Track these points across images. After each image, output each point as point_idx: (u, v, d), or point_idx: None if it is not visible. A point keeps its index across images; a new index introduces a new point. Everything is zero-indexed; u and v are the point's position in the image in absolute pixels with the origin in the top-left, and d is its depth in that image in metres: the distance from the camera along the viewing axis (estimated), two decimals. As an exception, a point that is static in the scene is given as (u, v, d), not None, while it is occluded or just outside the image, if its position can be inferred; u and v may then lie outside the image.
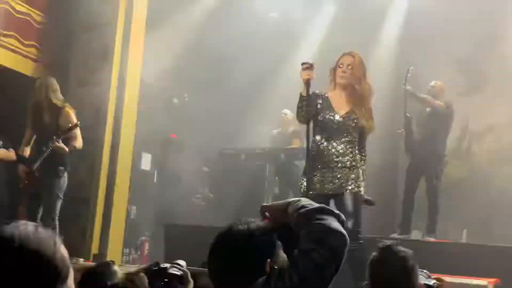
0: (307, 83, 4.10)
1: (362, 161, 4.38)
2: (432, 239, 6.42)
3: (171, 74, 8.06)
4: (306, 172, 4.26)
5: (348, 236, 3.77)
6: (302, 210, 1.77)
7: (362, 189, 4.26)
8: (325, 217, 1.73)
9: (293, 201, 1.87)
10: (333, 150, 4.26)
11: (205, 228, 6.23)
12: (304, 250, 1.67)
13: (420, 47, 8.21)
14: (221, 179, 8.27)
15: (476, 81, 8.06)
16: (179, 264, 2.21)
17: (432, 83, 6.72)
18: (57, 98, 5.75)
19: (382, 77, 7.10)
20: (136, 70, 7.16)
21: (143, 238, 7.87)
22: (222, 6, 8.39)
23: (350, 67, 4.34)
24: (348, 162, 4.24)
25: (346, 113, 4.33)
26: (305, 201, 1.85)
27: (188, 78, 8.53)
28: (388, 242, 2.64)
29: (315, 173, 4.24)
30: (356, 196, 4.20)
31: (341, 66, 4.37)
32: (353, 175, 4.23)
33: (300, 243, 1.71)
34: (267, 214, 1.90)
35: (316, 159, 4.28)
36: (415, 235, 6.64)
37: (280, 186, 7.88)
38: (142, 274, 2.15)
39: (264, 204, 1.98)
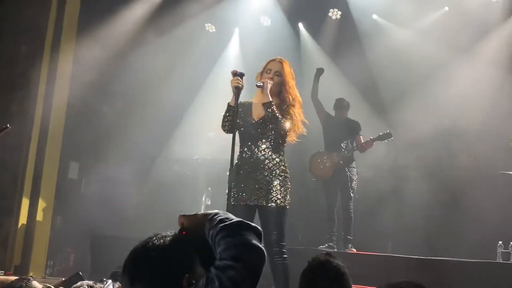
0: (236, 91, 3.96)
1: (286, 169, 4.22)
2: (354, 250, 6.67)
3: (101, 82, 7.89)
4: (229, 181, 4.14)
5: (273, 249, 3.84)
6: (220, 224, 1.70)
7: (287, 200, 4.13)
8: (243, 232, 1.67)
9: (210, 213, 1.78)
10: (256, 157, 4.15)
11: (133, 240, 6.08)
12: (221, 266, 1.61)
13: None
14: (153, 188, 8.16)
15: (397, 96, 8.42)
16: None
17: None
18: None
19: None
20: (65, 77, 6.98)
21: (69, 249, 7.62)
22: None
23: (277, 73, 4.24)
24: (272, 170, 4.12)
25: (263, 119, 4.17)
26: (223, 214, 1.76)
27: (118, 87, 8.39)
28: (320, 254, 2.67)
29: (240, 183, 4.09)
30: (281, 208, 4.08)
31: (268, 72, 4.27)
32: (278, 185, 4.09)
33: (216, 259, 1.64)
34: (184, 225, 1.80)
35: (240, 167, 4.12)
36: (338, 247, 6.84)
37: (212, 196, 7.84)
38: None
39: (183, 214, 1.85)
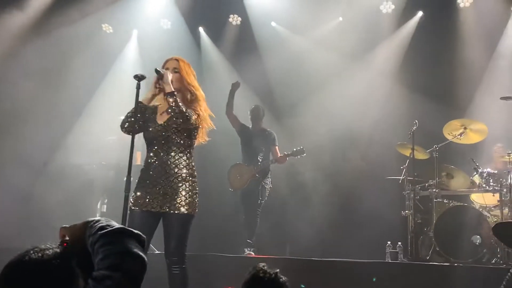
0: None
1: (194, 173, 3.99)
2: (253, 254, 6.75)
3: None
4: (126, 189, 3.77)
5: (172, 258, 3.72)
6: (99, 232, 1.62)
7: (194, 206, 3.89)
8: (123, 239, 1.60)
9: (91, 221, 1.69)
10: (162, 162, 3.90)
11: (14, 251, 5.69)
12: (98, 277, 1.52)
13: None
14: (47, 195, 7.70)
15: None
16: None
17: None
18: None
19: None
20: None
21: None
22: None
23: (175, 69, 4.03)
24: (179, 175, 3.88)
25: (168, 119, 3.93)
26: (104, 221, 1.68)
27: (4, 87, 7.90)
28: (261, 264, 2.67)
29: (145, 188, 3.87)
30: (186, 216, 3.84)
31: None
32: (184, 190, 3.86)
33: (95, 269, 1.56)
34: (66, 237, 1.69)
35: (144, 172, 3.94)
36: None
37: (110, 203, 7.57)
38: None
39: (63, 226, 1.74)
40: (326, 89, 8.42)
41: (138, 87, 3.78)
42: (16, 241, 6.17)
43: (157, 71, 3.95)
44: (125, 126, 3.92)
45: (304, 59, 8.64)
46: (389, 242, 6.62)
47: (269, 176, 7.19)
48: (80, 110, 8.46)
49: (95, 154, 7.80)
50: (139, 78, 3.78)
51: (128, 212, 3.76)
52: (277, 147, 7.17)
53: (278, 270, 2.62)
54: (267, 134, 7.22)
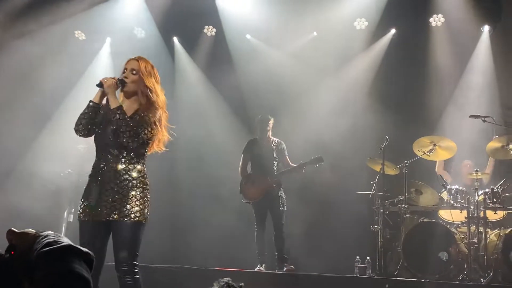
0: (107, 89, 3.63)
1: (145, 179, 3.75)
2: (293, 268, 6.57)
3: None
4: (82, 196, 3.63)
5: (122, 268, 3.58)
6: (44, 249, 1.51)
7: (144, 214, 3.66)
8: (68, 259, 1.52)
9: (41, 235, 1.58)
10: (110, 168, 3.66)
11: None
12: None
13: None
14: (13, 202, 7.52)
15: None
16: None
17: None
18: None
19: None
20: None
21: None
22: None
23: (133, 71, 3.78)
24: (129, 182, 3.64)
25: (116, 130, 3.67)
26: (53, 236, 1.58)
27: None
28: (225, 279, 2.59)
29: (93, 197, 3.62)
30: (136, 224, 3.60)
31: (124, 71, 3.82)
32: (134, 197, 3.63)
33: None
34: (13, 243, 1.59)
35: (94, 179, 3.69)
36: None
37: (74, 213, 7.41)
38: None
39: (12, 229, 1.61)
40: (299, 101, 8.46)
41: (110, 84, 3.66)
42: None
43: (97, 85, 3.71)
44: (77, 125, 3.70)
45: (278, 72, 8.67)
46: (358, 257, 6.63)
47: (282, 186, 6.92)
48: (49, 116, 8.30)
49: (63, 162, 7.64)
50: (101, 85, 3.66)
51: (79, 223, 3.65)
52: (287, 156, 6.98)
53: (242, 284, 2.56)
54: (278, 144, 7.01)
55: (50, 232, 1.63)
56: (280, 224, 6.72)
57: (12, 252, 1.58)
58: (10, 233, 1.61)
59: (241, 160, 7.05)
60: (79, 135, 3.74)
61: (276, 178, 6.82)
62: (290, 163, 6.92)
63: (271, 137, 7.05)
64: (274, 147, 6.96)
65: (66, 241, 1.58)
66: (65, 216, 7.32)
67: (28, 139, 8.07)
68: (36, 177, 7.52)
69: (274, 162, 6.91)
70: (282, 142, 7.07)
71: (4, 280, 1.51)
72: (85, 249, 1.57)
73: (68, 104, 8.29)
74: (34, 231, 1.64)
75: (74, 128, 3.74)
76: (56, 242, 1.56)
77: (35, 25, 8.13)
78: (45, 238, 1.57)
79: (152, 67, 3.87)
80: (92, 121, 3.72)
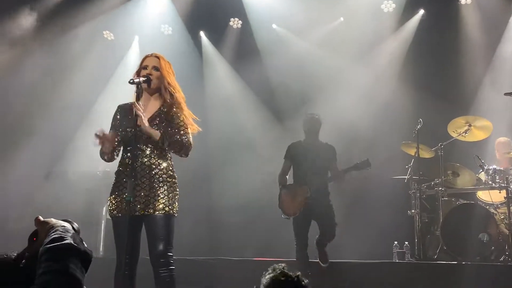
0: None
1: (173, 173, 3.80)
2: None
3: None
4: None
5: (159, 261, 3.63)
6: (48, 245, 1.57)
7: (175, 208, 3.72)
8: (66, 257, 1.56)
9: (54, 227, 1.66)
10: (139, 163, 3.69)
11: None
12: None
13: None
14: (50, 204, 7.71)
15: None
16: None
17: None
18: None
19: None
20: None
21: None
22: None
23: (155, 68, 3.81)
24: (158, 176, 3.70)
25: (149, 118, 3.74)
26: (61, 232, 1.64)
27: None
28: (280, 265, 2.57)
29: (121, 192, 3.68)
30: (168, 217, 3.66)
31: (145, 68, 3.82)
32: (164, 192, 3.69)
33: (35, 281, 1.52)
34: (38, 232, 1.69)
35: (122, 175, 3.73)
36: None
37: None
38: None
39: (39, 217, 1.73)
40: (329, 89, 8.38)
41: (138, 90, 3.64)
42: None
43: (132, 82, 3.67)
44: (105, 158, 3.80)
45: (306, 60, 8.62)
46: (396, 242, 6.57)
47: (328, 191, 6.09)
48: (82, 118, 8.46)
49: (99, 161, 7.77)
50: (133, 81, 3.65)
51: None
52: (336, 163, 6.09)
53: (299, 273, 2.51)
54: (327, 149, 6.14)
55: (60, 225, 1.71)
56: (331, 232, 5.91)
57: (34, 239, 1.70)
58: (37, 221, 1.74)
59: (282, 166, 6.23)
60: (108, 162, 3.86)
61: (313, 188, 5.88)
62: (339, 171, 6.00)
63: (320, 140, 6.22)
64: (321, 152, 6.09)
65: (70, 237, 1.64)
66: (103, 213, 7.49)
67: (65, 139, 8.25)
68: (75, 176, 7.68)
69: (315, 169, 5.98)
70: (333, 146, 6.19)
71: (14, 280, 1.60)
72: (84, 249, 1.63)
73: (101, 103, 8.44)
74: (53, 221, 1.73)
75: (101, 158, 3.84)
76: (61, 238, 1.62)
77: (64, 27, 8.29)
78: (54, 233, 1.65)
79: (170, 63, 3.92)
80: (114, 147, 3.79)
